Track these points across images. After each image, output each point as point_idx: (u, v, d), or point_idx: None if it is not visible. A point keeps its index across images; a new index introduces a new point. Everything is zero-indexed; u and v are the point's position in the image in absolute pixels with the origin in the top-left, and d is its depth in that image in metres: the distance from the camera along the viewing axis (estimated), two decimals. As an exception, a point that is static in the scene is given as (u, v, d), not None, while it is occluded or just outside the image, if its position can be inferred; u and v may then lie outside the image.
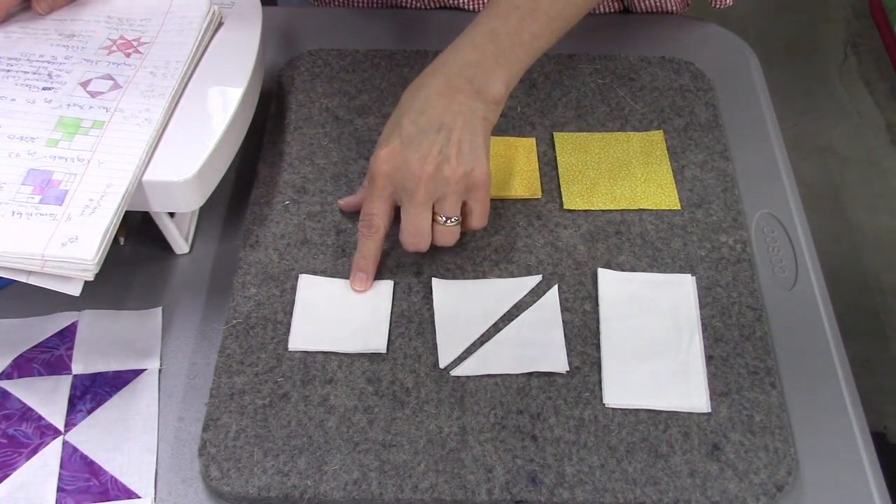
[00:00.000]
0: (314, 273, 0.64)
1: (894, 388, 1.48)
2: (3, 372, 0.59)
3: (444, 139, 0.58)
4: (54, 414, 0.57)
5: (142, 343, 0.61)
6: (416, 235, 0.60)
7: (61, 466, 0.55)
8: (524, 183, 0.70)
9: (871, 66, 2.04)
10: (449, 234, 0.61)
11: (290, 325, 0.61)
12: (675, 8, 0.85)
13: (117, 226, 0.56)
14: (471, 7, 0.84)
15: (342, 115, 0.75)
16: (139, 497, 0.54)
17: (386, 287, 0.63)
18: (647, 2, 0.84)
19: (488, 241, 0.66)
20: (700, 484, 0.54)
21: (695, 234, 0.67)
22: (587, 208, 0.68)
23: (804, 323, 0.63)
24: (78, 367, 0.59)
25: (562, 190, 0.69)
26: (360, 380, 0.59)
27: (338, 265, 0.65)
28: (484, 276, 0.64)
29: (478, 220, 0.62)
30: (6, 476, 0.54)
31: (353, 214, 0.67)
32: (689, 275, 0.64)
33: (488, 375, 0.59)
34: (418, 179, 0.58)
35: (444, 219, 0.60)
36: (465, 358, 0.60)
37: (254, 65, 0.66)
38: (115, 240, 0.61)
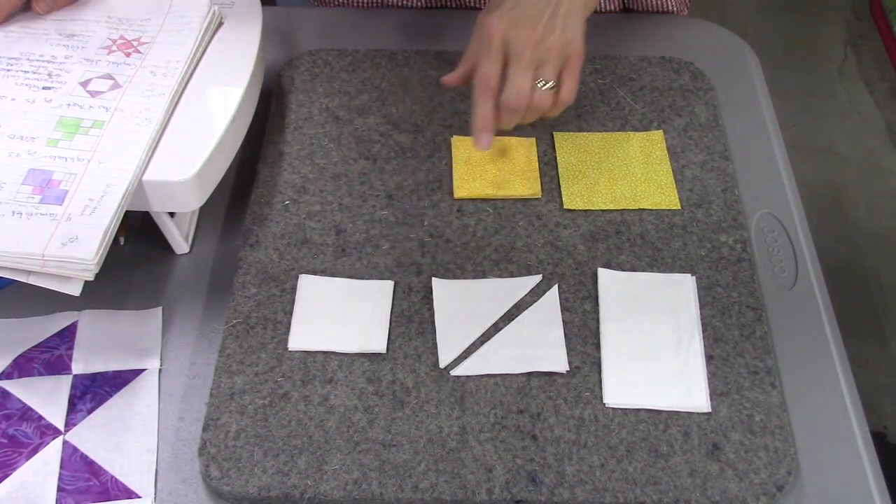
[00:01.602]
0: (314, 273, 0.64)
1: (894, 388, 1.48)
2: (4, 372, 0.59)
3: (553, 10, 0.62)
4: (54, 414, 0.57)
5: (142, 343, 0.61)
6: (518, 95, 0.62)
7: (61, 466, 0.55)
8: (524, 183, 0.70)
9: (871, 66, 2.04)
10: (547, 97, 0.63)
11: (290, 324, 0.61)
12: (675, 7, 0.85)
13: (117, 226, 0.56)
14: (470, 7, 0.84)
15: (342, 115, 0.75)
16: (139, 497, 0.54)
17: (386, 287, 0.63)
18: (647, 1, 0.84)
19: (488, 241, 0.66)
20: (700, 484, 0.54)
21: (695, 234, 0.67)
22: (587, 208, 0.68)
23: (804, 323, 0.63)
24: (78, 367, 0.59)
25: (562, 190, 0.69)
26: (360, 380, 0.59)
27: (338, 265, 0.65)
28: (484, 276, 0.64)
29: (568, 92, 0.64)
30: (6, 476, 0.54)
31: (353, 214, 0.67)
32: (689, 275, 0.64)
33: (488, 375, 0.59)
34: (528, 41, 0.61)
35: (542, 83, 0.63)
36: (465, 358, 0.60)
37: (254, 65, 0.66)
38: (115, 240, 0.61)
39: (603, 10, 0.85)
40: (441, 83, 0.69)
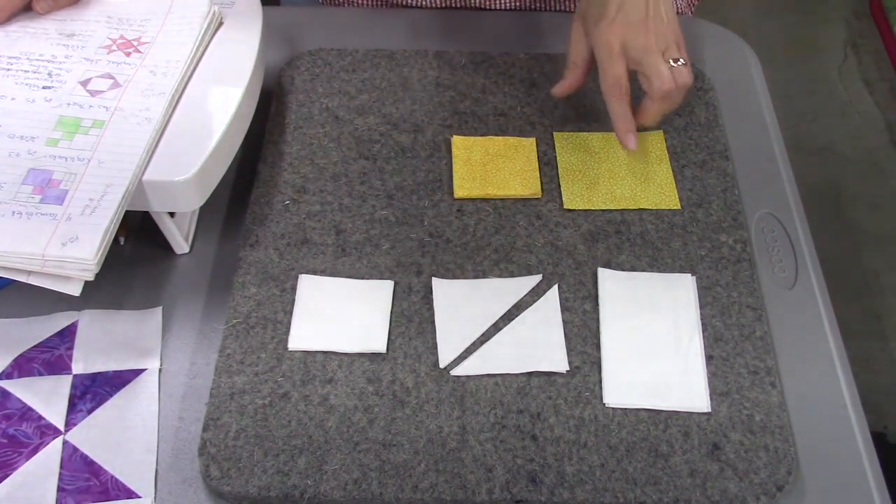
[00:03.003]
0: (314, 273, 0.64)
1: (894, 388, 1.48)
2: (4, 372, 0.59)
3: (653, 3, 0.67)
4: (54, 414, 0.57)
5: (142, 343, 0.61)
6: (664, 79, 0.66)
7: (61, 466, 0.55)
8: (524, 183, 0.70)
9: (871, 66, 2.04)
10: (686, 72, 0.67)
11: (290, 324, 0.61)
12: (681, 9, 0.85)
13: (117, 225, 0.55)
14: (471, 6, 0.84)
15: (342, 115, 0.75)
16: (139, 497, 0.54)
17: (386, 287, 0.63)
18: None
19: (488, 241, 0.66)
20: (700, 484, 0.54)
21: (695, 233, 0.67)
22: (587, 208, 0.68)
23: (804, 323, 0.63)
24: (78, 367, 0.59)
25: (562, 190, 0.69)
26: (360, 380, 0.59)
27: (338, 265, 0.65)
28: (484, 275, 0.64)
29: (688, 72, 0.67)
30: (6, 476, 0.54)
31: (353, 214, 0.67)
32: (689, 274, 0.64)
33: (488, 375, 0.59)
34: (645, 37, 0.66)
35: (674, 62, 0.66)
36: (465, 358, 0.60)
37: (254, 65, 0.66)
38: (115, 240, 0.61)
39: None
40: (551, 94, 0.74)
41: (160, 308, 0.63)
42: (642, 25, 0.66)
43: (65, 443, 0.56)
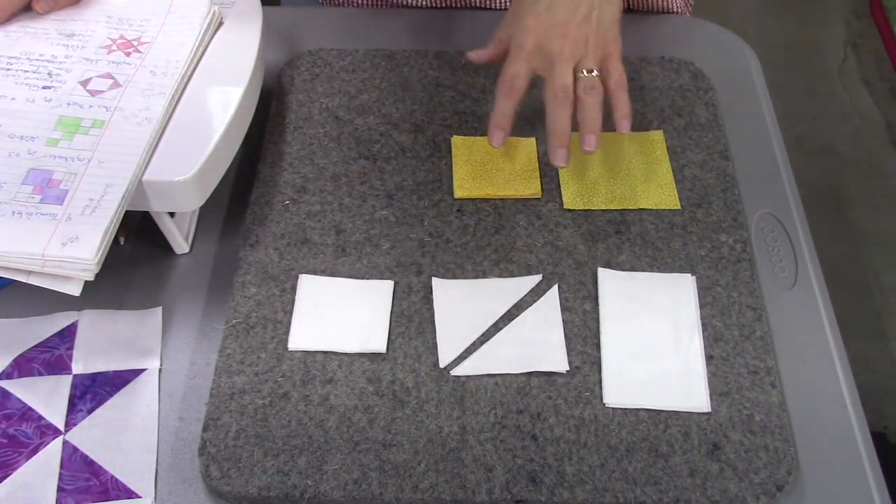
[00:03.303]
0: (314, 273, 0.64)
1: (894, 388, 1.48)
2: (4, 372, 0.59)
3: (588, 5, 0.64)
4: (54, 414, 0.57)
5: (142, 343, 0.61)
6: (563, 89, 0.63)
7: (61, 466, 0.55)
8: (524, 183, 0.70)
9: (871, 66, 2.04)
10: (593, 81, 0.64)
11: (290, 324, 0.61)
12: (678, 7, 0.85)
13: (117, 226, 0.56)
14: (471, 7, 0.84)
15: (342, 115, 0.75)
16: (139, 497, 0.54)
17: (386, 287, 0.63)
18: (652, 1, 0.84)
19: (488, 241, 0.66)
20: (700, 484, 0.54)
21: (695, 233, 0.67)
22: (587, 208, 0.68)
23: (804, 323, 0.63)
24: (78, 367, 0.59)
25: (562, 190, 0.69)
26: (360, 380, 0.59)
27: (338, 265, 0.65)
28: (484, 275, 0.64)
29: (617, 79, 0.65)
30: (6, 476, 0.54)
31: (353, 214, 0.67)
32: (689, 274, 0.64)
33: (488, 375, 0.59)
34: (564, 38, 0.63)
35: (585, 72, 0.64)
36: (465, 358, 0.60)
37: (254, 65, 0.66)
38: (115, 240, 0.61)
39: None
40: (466, 57, 0.71)
41: (160, 308, 0.63)
42: (563, 29, 0.63)
43: (65, 443, 0.56)
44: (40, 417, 0.57)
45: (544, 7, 0.64)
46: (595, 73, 0.64)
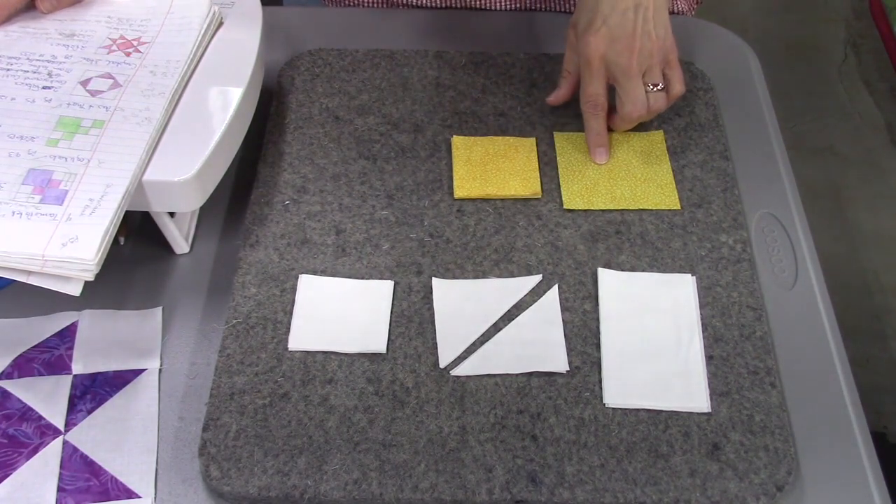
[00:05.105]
0: (314, 273, 0.64)
1: (894, 388, 1.48)
2: (4, 372, 0.59)
3: (643, 16, 0.65)
4: (54, 414, 0.57)
5: (142, 343, 0.61)
6: (637, 105, 0.68)
7: (61, 466, 0.55)
8: (524, 183, 0.70)
9: (871, 66, 2.04)
10: (661, 98, 0.69)
11: (290, 325, 0.61)
12: (683, 8, 0.85)
13: (117, 226, 0.56)
14: (471, 6, 0.84)
15: (342, 115, 0.75)
16: (139, 497, 0.54)
17: (386, 287, 0.63)
18: None
19: (488, 241, 0.66)
20: (700, 484, 0.54)
21: (695, 234, 0.67)
22: (587, 208, 0.68)
23: (804, 323, 0.63)
24: (78, 367, 0.59)
25: (562, 190, 0.69)
26: (360, 380, 0.59)
27: (338, 265, 0.65)
28: (484, 276, 0.64)
29: (678, 87, 0.69)
30: (6, 476, 0.54)
31: (353, 214, 0.67)
32: (689, 275, 0.64)
33: (488, 375, 0.59)
34: (630, 54, 0.65)
35: (652, 86, 0.68)
36: (465, 358, 0.60)
37: (254, 65, 0.66)
38: (115, 240, 0.61)
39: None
40: (547, 103, 0.74)
41: (160, 308, 0.63)
42: (627, 42, 0.65)
43: (65, 443, 0.56)
44: (40, 417, 0.57)
45: (600, 22, 0.66)
46: (661, 85, 0.68)
